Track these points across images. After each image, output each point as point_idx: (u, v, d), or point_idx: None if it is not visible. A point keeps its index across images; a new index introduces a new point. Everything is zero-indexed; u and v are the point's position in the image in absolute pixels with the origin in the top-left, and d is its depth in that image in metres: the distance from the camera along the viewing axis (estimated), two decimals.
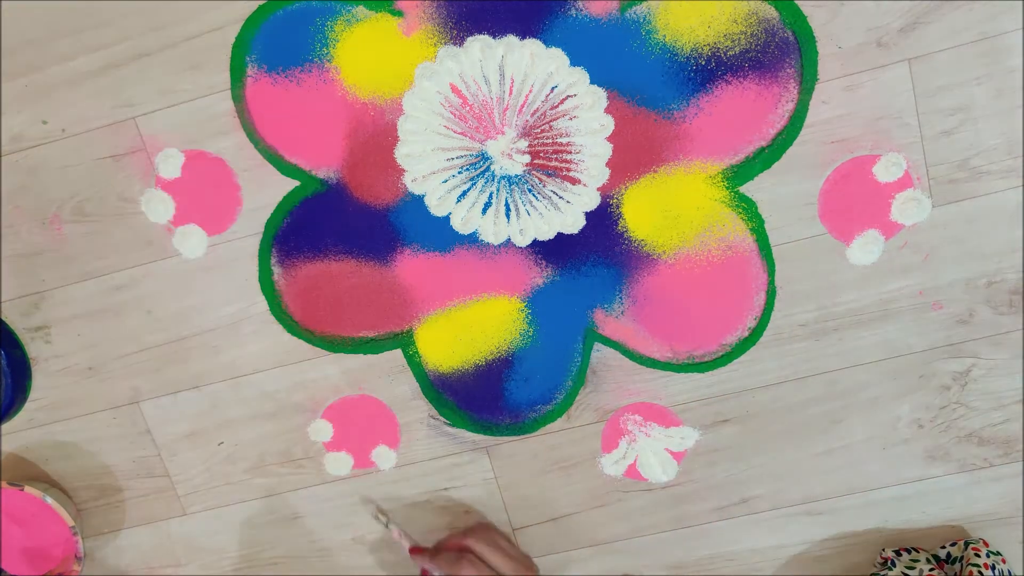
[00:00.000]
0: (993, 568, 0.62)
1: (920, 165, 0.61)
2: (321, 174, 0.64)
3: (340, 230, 0.65)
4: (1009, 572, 0.63)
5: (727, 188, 0.62)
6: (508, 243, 0.64)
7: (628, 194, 0.63)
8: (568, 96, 0.61)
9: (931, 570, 0.63)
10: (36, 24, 0.62)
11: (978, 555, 0.63)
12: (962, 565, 0.63)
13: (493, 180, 0.63)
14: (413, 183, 0.63)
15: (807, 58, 0.59)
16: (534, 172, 0.62)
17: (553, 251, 0.64)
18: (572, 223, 0.63)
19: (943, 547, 0.67)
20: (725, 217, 0.63)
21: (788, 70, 0.59)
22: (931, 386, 0.65)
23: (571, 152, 0.62)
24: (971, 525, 0.68)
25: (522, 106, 0.61)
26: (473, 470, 0.70)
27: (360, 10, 0.60)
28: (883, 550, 0.67)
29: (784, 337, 0.65)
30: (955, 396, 0.65)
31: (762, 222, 0.62)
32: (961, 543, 0.66)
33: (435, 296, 0.66)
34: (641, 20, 0.59)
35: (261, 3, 0.61)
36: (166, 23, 0.61)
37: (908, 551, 0.66)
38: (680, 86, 0.60)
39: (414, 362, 0.67)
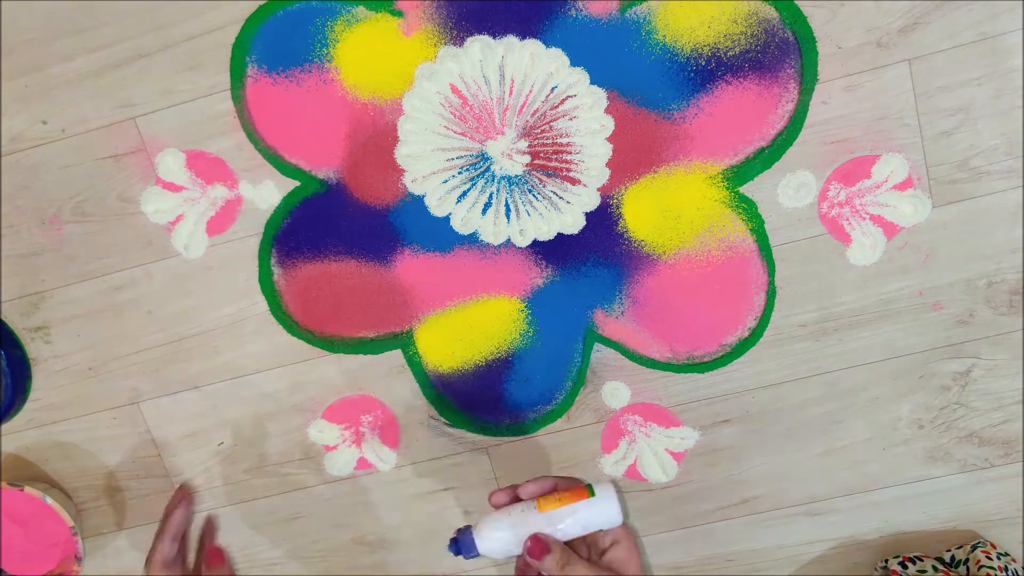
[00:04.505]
0: (1006, 569, 0.62)
1: (920, 165, 0.61)
2: (321, 174, 0.64)
3: (340, 230, 0.65)
4: (1019, 572, 0.63)
5: (727, 188, 0.62)
6: (508, 243, 0.64)
7: (628, 194, 0.63)
8: (568, 96, 0.61)
9: (937, 572, 0.62)
10: (36, 24, 0.62)
11: (989, 558, 0.63)
12: (968, 568, 0.63)
13: (493, 180, 0.63)
14: (413, 183, 0.63)
15: (807, 58, 0.59)
16: (534, 172, 0.62)
17: (553, 251, 0.64)
18: (572, 223, 0.63)
19: (948, 551, 0.66)
20: (725, 217, 0.62)
21: (788, 70, 0.59)
22: (931, 386, 0.65)
23: (571, 152, 0.62)
24: (971, 525, 0.68)
25: (522, 106, 0.61)
26: (473, 470, 0.70)
27: (360, 10, 0.60)
28: (885, 561, 0.67)
29: (784, 337, 0.65)
30: (955, 396, 0.65)
31: (762, 222, 0.62)
32: (967, 546, 0.65)
33: (435, 296, 0.66)
34: (641, 20, 0.59)
35: (261, 3, 0.61)
36: (166, 23, 0.61)
37: (912, 561, 0.66)
38: (680, 86, 0.60)
39: (414, 362, 0.67)
